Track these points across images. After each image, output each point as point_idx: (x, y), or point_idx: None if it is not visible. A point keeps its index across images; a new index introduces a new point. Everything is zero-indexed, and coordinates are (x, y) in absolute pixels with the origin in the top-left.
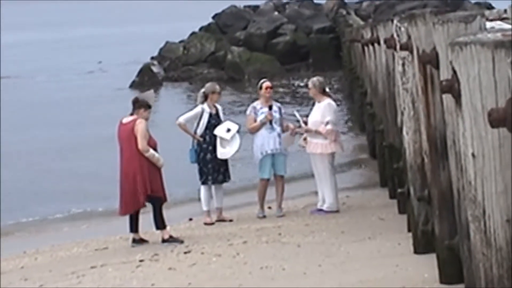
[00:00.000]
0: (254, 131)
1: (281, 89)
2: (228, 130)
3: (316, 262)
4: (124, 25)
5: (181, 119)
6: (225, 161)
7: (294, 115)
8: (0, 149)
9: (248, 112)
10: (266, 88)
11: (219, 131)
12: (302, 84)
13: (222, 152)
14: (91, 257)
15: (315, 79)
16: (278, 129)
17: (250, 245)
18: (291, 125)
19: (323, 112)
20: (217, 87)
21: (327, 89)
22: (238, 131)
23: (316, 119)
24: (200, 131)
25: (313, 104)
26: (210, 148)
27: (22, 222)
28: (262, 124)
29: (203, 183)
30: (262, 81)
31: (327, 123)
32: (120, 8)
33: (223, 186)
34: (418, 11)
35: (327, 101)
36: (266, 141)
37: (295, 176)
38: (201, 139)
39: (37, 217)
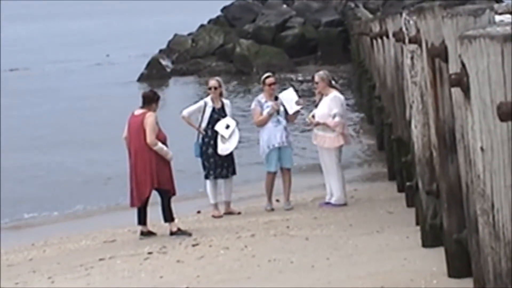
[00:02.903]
0: (262, 124)
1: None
2: (227, 126)
3: (324, 255)
4: (133, 18)
5: (185, 112)
6: (230, 156)
7: (299, 112)
8: (0, 147)
9: (253, 106)
10: (270, 85)
11: (219, 127)
12: (300, 78)
13: (222, 148)
14: (100, 250)
15: (321, 72)
16: (283, 122)
17: (258, 238)
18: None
19: (329, 105)
20: (212, 82)
21: (333, 82)
22: (237, 126)
23: (323, 112)
24: (203, 125)
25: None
26: (212, 142)
27: (31, 215)
28: (270, 116)
29: (205, 177)
30: (265, 75)
31: (335, 115)
32: (128, 0)
33: (233, 179)
34: (427, 4)
35: (333, 93)
36: (273, 134)
37: (303, 169)
38: (204, 133)
39: (46, 210)
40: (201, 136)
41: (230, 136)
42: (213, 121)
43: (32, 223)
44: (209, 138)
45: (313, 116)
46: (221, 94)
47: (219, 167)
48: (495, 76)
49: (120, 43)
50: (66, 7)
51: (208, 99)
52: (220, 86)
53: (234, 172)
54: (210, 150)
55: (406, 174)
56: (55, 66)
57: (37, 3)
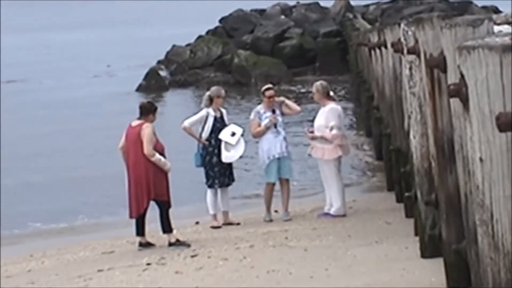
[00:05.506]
0: (259, 135)
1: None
2: (233, 134)
3: (323, 266)
4: (131, 29)
5: (186, 123)
6: (229, 164)
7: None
8: (0, 153)
9: (252, 116)
10: (269, 97)
11: (224, 135)
12: (303, 90)
13: (227, 156)
14: (98, 261)
15: (318, 83)
16: (283, 132)
17: (257, 249)
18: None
19: (327, 116)
20: (223, 91)
21: (331, 93)
22: (242, 135)
23: (320, 123)
24: (205, 134)
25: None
26: (216, 151)
27: (30, 227)
28: (267, 128)
29: (210, 186)
30: (265, 87)
31: (332, 128)
32: (126, 11)
33: (229, 189)
34: (426, 15)
35: (330, 105)
36: (273, 145)
37: (303, 180)
38: (206, 143)
39: (44, 222)
40: (201, 146)
41: (236, 143)
42: (216, 129)
43: (31, 234)
44: (213, 147)
45: (312, 132)
46: None
47: (223, 175)
48: (494, 87)
49: (120, 54)
50: (66, 18)
51: (210, 109)
52: (225, 96)
53: (233, 180)
54: (215, 159)
55: (405, 184)
56: (54, 77)
57: (36, 14)
